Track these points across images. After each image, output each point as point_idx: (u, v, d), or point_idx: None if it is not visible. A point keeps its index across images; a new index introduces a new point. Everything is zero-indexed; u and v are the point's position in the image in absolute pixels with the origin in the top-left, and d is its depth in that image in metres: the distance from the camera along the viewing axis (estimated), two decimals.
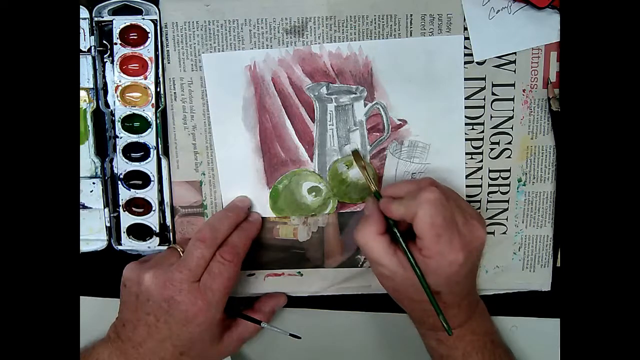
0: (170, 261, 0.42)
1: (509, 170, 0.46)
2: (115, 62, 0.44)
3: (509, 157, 0.46)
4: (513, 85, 0.45)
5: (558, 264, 0.47)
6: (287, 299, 0.48)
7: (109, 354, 0.41)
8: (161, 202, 0.46)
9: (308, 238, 0.47)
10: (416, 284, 0.38)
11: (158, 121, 0.45)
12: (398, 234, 0.39)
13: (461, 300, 0.41)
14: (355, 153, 0.44)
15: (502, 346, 0.46)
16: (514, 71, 0.44)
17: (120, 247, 0.47)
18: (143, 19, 0.43)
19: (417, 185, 0.40)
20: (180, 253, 0.43)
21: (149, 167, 0.45)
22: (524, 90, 0.45)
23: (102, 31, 0.44)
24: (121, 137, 0.45)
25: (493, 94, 0.45)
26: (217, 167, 0.46)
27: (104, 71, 0.44)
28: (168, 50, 0.44)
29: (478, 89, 0.45)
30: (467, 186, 0.46)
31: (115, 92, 0.44)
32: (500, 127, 0.45)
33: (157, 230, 0.47)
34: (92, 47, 0.43)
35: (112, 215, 0.46)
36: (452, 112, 0.45)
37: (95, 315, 0.44)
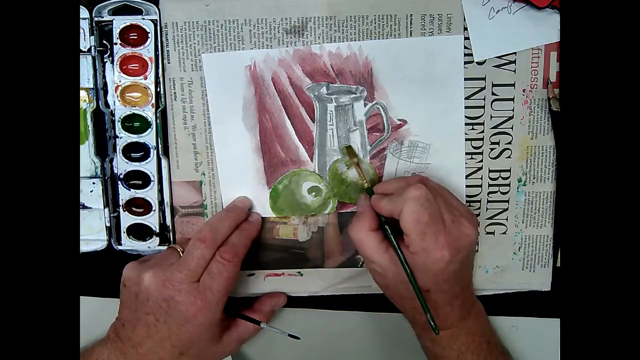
0: (170, 261, 0.42)
1: (509, 170, 0.46)
2: (115, 62, 0.44)
3: (509, 157, 0.46)
4: (513, 85, 0.45)
5: (558, 264, 0.47)
6: (286, 298, 0.48)
7: (109, 354, 0.41)
8: (161, 202, 0.46)
9: (308, 238, 0.47)
10: (407, 282, 0.39)
11: (158, 121, 0.45)
12: (389, 230, 0.39)
13: (453, 300, 0.41)
14: (349, 149, 0.44)
15: (499, 347, 0.46)
16: (514, 71, 0.44)
17: (120, 247, 0.47)
18: (143, 19, 0.43)
19: (406, 182, 0.41)
20: (180, 253, 0.43)
21: (149, 167, 0.45)
22: (524, 90, 0.45)
23: (102, 31, 0.44)
24: (121, 137, 0.45)
25: (493, 94, 0.45)
26: (217, 167, 0.46)
27: (104, 71, 0.45)
28: (168, 50, 0.44)
29: (478, 89, 0.45)
30: (467, 186, 0.46)
31: (115, 92, 0.44)
32: (500, 127, 0.45)
33: (157, 230, 0.47)
34: (92, 47, 0.43)
35: (112, 215, 0.46)
36: (452, 112, 0.45)
37: (95, 315, 0.44)
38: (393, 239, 0.39)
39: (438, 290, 0.39)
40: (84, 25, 0.43)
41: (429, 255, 0.37)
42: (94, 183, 0.45)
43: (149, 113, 0.45)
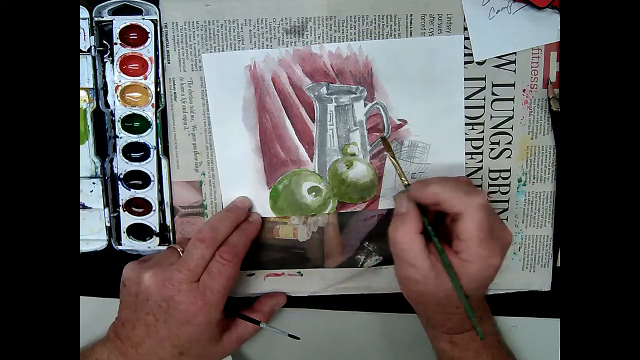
0: (170, 261, 0.42)
1: (509, 170, 0.46)
2: (115, 62, 0.44)
3: (509, 157, 0.46)
4: (513, 85, 0.45)
5: (558, 264, 0.47)
6: (286, 298, 0.48)
7: (108, 353, 0.41)
8: (161, 202, 0.46)
9: (308, 238, 0.47)
10: (447, 289, 0.37)
11: (158, 121, 0.45)
12: (434, 236, 0.38)
13: (479, 303, 0.41)
14: (385, 141, 0.43)
15: (506, 347, 0.46)
16: (514, 71, 0.44)
17: (120, 247, 0.47)
18: (143, 19, 0.43)
19: (454, 180, 0.39)
20: (180, 253, 0.43)
21: (149, 167, 0.45)
22: (524, 90, 0.45)
23: (102, 31, 0.44)
24: (121, 137, 0.45)
25: (493, 94, 0.45)
26: (217, 167, 0.46)
27: (104, 71, 0.45)
28: (168, 50, 0.44)
29: (478, 89, 0.45)
30: None
31: (115, 92, 0.44)
32: (500, 127, 0.45)
33: (157, 230, 0.47)
34: (92, 47, 0.43)
35: (112, 215, 0.46)
36: (452, 112, 0.45)
37: (95, 315, 0.44)
38: (439, 245, 0.37)
39: (475, 295, 0.39)
40: (84, 25, 0.43)
41: (484, 262, 0.37)
42: (94, 183, 0.45)
43: (149, 113, 0.45)
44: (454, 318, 0.39)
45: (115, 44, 0.44)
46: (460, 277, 0.37)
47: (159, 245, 0.47)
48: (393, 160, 0.41)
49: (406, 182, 0.40)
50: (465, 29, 0.43)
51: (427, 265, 0.37)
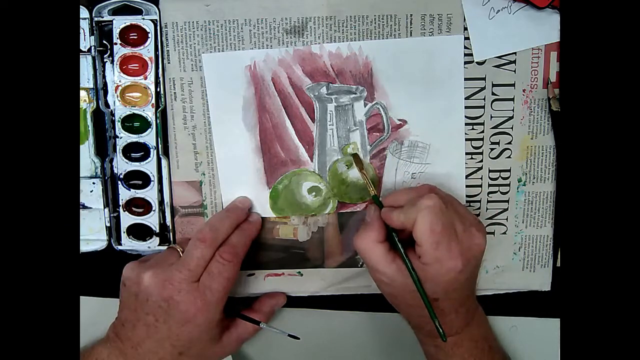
0: (170, 261, 0.42)
1: (509, 170, 0.46)
2: (115, 62, 0.44)
3: (509, 157, 0.46)
4: (513, 85, 0.45)
5: (558, 264, 0.47)
6: (286, 298, 0.48)
7: (108, 353, 0.41)
8: (161, 202, 0.46)
9: (308, 238, 0.47)
10: (414, 291, 0.38)
11: (158, 121, 0.45)
12: (397, 241, 0.39)
13: (459, 307, 0.41)
14: (356, 157, 0.44)
15: (500, 352, 0.46)
16: (514, 71, 0.44)
17: (120, 247, 0.47)
18: (143, 19, 0.43)
19: (416, 192, 0.40)
20: (180, 253, 0.43)
21: (149, 167, 0.45)
22: (524, 90, 0.45)
23: (102, 31, 0.44)
24: (121, 137, 0.45)
25: (493, 94, 0.45)
26: (217, 167, 0.46)
27: (104, 71, 0.45)
28: (168, 50, 0.44)
29: (478, 89, 0.45)
30: (467, 186, 0.46)
31: (115, 92, 0.44)
32: (500, 127, 0.45)
33: (157, 230, 0.47)
34: (92, 47, 0.43)
35: (112, 215, 0.46)
36: (452, 112, 0.45)
37: (95, 315, 0.44)
38: (402, 250, 0.39)
39: (446, 299, 0.39)
40: (84, 25, 0.43)
41: (442, 265, 0.37)
42: (94, 183, 0.45)
43: (149, 113, 0.45)
44: (430, 321, 0.39)
45: (115, 44, 0.44)
46: (424, 281, 0.38)
47: (159, 245, 0.47)
48: (364, 176, 0.43)
49: (374, 193, 0.43)
50: (465, 29, 0.43)
51: (391, 269, 0.39)
